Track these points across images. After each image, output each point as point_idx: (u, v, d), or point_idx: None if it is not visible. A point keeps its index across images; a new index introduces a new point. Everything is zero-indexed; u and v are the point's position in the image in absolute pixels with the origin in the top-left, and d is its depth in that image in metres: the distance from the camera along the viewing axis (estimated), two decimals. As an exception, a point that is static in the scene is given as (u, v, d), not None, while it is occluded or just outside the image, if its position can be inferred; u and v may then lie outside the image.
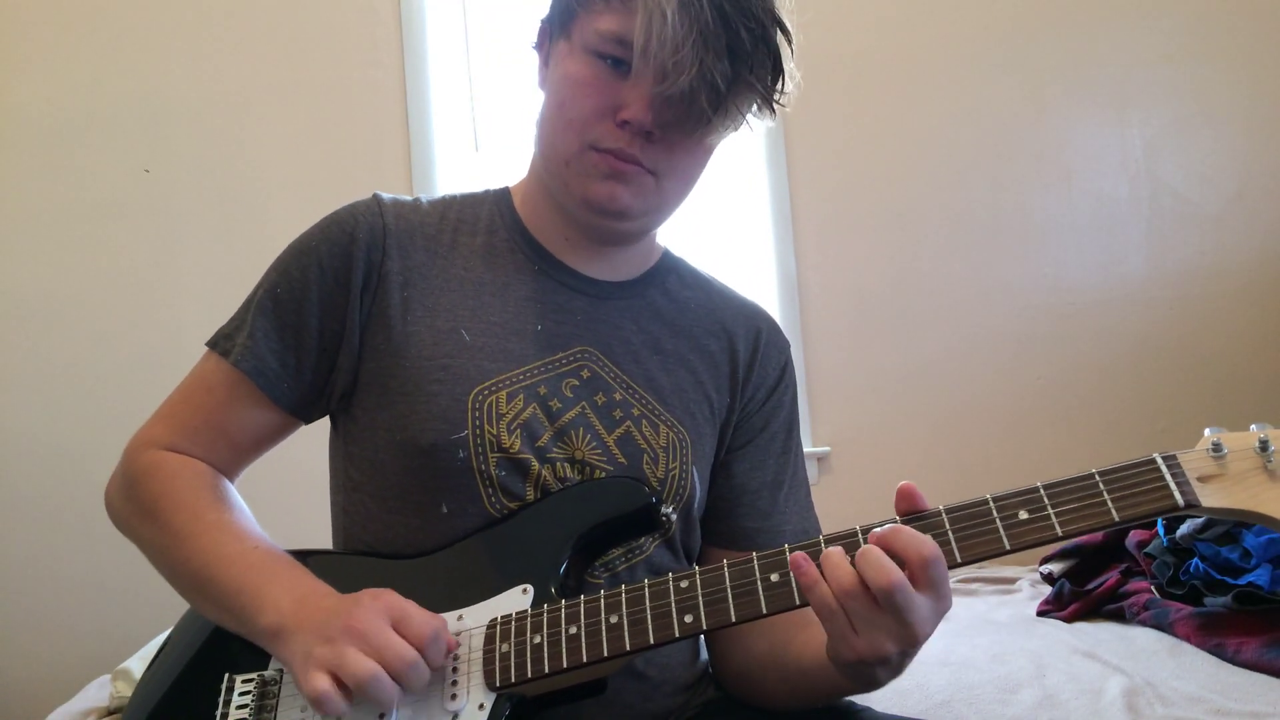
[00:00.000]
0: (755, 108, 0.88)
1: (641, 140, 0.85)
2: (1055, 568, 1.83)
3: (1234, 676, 1.32)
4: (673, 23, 0.78)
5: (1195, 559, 1.56)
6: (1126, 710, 1.23)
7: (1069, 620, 1.68)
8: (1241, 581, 1.47)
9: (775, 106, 0.88)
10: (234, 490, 0.93)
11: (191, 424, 0.92)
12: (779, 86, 0.86)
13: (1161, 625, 1.55)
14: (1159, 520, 1.69)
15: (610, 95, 0.85)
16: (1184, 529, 1.60)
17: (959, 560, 0.69)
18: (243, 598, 0.79)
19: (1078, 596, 1.72)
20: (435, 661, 0.73)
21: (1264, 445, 0.66)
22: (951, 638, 1.61)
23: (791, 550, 0.72)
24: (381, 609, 0.73)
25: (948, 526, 0.70)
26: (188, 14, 2.48)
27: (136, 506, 0.90)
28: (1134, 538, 1.74)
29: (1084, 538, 1.81)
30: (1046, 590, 1.82)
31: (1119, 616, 1.66)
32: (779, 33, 0.84)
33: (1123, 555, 1.79)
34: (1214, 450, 0.67)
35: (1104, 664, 1.41)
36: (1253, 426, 0.68)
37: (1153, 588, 1.66)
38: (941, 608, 0.68)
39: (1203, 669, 1.36)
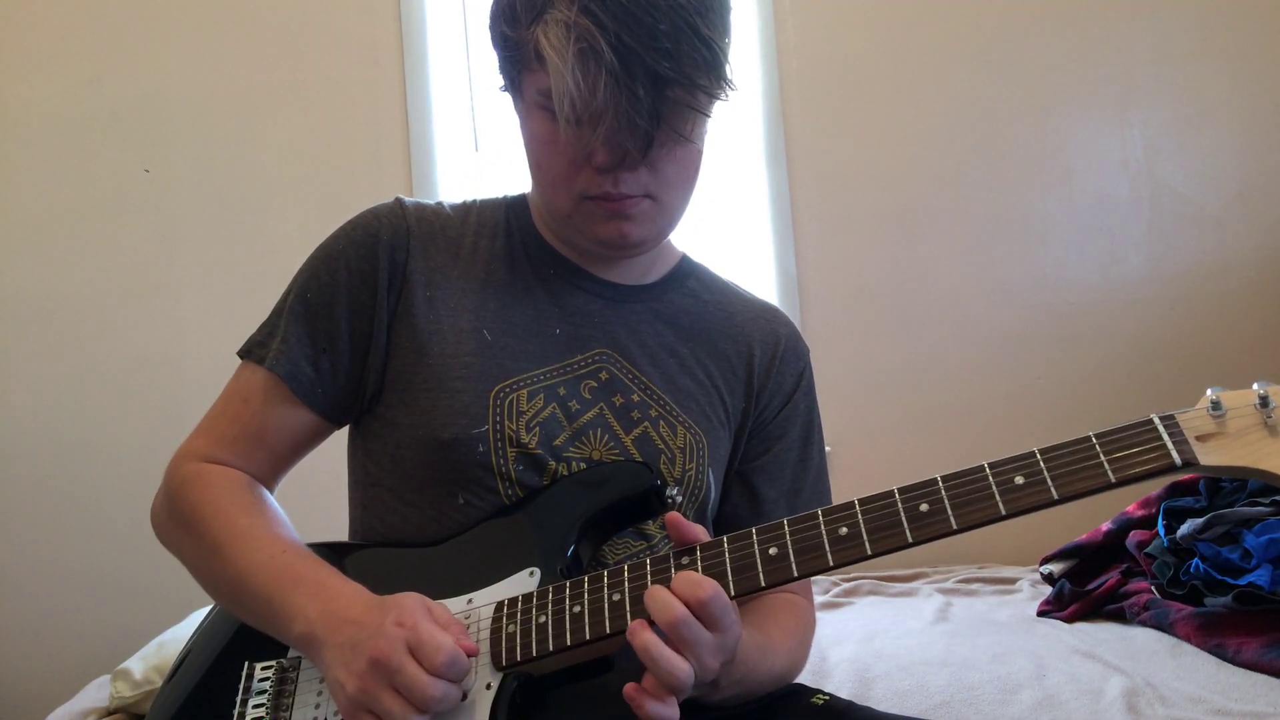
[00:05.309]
0: (709, 94, 0.83)
1: (625, 173, 0.85)
2: (1055, 568, 1.83)
3: (1234, 677, 1.32)
4: (574, 77, 0.77)
5: (1196, 559, 1.56)
6: (1127, 710, 1.23)
7: (1069, 620, 1.67)
8: (1242, 581, 1.46)
9: (725, 85, 0.84)
10: (269, 496, 0.94)
11: (229, 434, 0.94)
12: (717, 72, 0.82)
13: (1162, 625, 1.55)
14: (1160, 520, 1.69)
15: (576, 145, 0.84)
16: (1184, 529, 1.60)
17: (954, 528, 0.69)
18: (273, 607, 0.81)
19: (1078, 597, 1.72)
20: (457, 680, 0.73)
21: (1264, 401, 0.65)
22: (951, 638, 1.61)
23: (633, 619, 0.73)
24: (402, 637, 0.72)
25: (944, 494, 0.70)
26: (188, 14, 2.48)
27: (177, 520, 0.91)
28: (1134, 538, 1.74)
29: (1084, 537, 1.83)
30: (1047, 590, 1.82)
31: (1119, 617, 1.66)
32: (694, 18, 0.78)
33: (1123, 555, 1.78)
34: (1213, 409, 0.66)
35: (1104, 664, 1.41)
36: (1255, 385, 0.66)
37: (1153, 588, 1.65)
38: (727, 639, 0.71)
39: (1203, 669, 1.36)
